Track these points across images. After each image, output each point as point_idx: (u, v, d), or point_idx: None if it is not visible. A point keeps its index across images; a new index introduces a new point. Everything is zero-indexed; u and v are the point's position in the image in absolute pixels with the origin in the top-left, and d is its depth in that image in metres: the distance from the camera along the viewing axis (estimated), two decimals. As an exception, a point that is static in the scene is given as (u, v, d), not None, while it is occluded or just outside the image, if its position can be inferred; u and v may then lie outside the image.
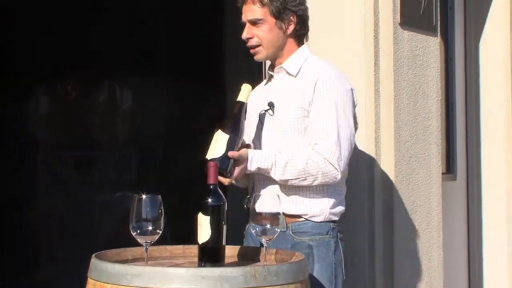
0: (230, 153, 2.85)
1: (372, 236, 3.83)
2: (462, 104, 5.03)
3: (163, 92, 7.82)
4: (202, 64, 7.21)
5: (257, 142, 3.09)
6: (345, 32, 3.86)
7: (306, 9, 3.10)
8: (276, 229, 2.64)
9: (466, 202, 5.08)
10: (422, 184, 4.13)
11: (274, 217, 2.65)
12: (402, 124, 3.99)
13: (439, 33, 4.34)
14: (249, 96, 2.99)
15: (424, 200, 4.16)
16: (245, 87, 2.98)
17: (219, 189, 2.63)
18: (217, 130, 2.90)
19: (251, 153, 2.93)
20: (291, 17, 3.04)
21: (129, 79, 7.73)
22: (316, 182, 2.92)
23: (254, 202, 2.65)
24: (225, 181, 2.93)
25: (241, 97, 2.95)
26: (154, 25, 7.95)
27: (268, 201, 2.67)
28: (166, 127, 7.87)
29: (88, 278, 2.60)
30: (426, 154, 4.18)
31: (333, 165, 2.89)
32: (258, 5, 3.02)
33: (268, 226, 2.62)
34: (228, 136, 2.87)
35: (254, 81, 4.43)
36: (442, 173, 4.44)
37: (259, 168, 2.93)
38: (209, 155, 2.87)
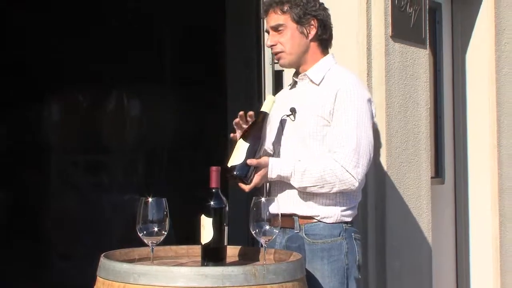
0: (249, 161, 2.81)
1: (365, 236, 3.82)
2: (449, 112, 5.02)
3: (168, 101, 7.80)
4: (205, 74, 7.20)
5: (277, 145, 3.03)
6: (339, 45, 3.83)
7: (327, 15, 3.04)
8: (274, 230, 2.62)
9: (454, 204, 5.07)
10: (412, 187, 4.12)
11: (273, 218, 2.63)
12: (394, 131, 3.98)
13: (428, 46, 4.33)
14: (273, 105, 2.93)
15: (414, 202, 4.14)
16: (270, 98, 2.92)
17: (220, 193, 2.63)
18: (239, 139, 2.86)
19: (271, 161, 2.88)
20: (312, 22, 2.99)
21: (136, 89, 7.72)
22: (334, 190, 2.86)
23: (255, 206, 2.62)
24: (246, 187, 2.86)
25: (264, 108, 2.89)
26: (160, 38, 7.95)
27: (270, 203, 2.63)
28: (171, 133, 7.85)
29: (97, 277, 2.59)
30: (416, 159, 4.16)
31: (350, 173, 2.83)
32: (279, 12, 2.98)
33: (267, 227, 2.61)
34: (248, 144, 2.82)
35: (253, 90, 4.44)
36: (431, 177, 4.42)
37: (279, 176, 2.88)
38: (230, 163, 2.83)
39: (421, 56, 4.25)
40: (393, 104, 3.98)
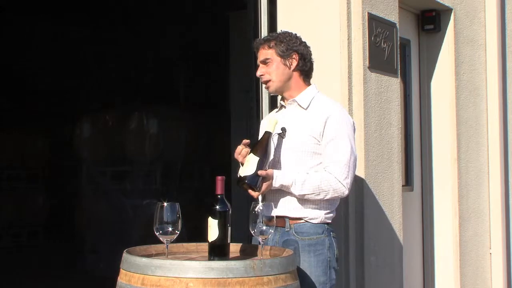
0: (259, 172, 2.79)
1: (347, 235, 3.79)
2: (417, 130, 5.01)
3: (182, 121, 7.80)
4: (212, 99, 7.21)
5: (271, 158, 3.01)
6: (326, 74, 3.83)
7: (308, 51, 3.05)
8: (270, 230, 2.62)
9: (421, 208, 5.05)
10: (386, 194, 4.10)
11: (269, 220, 2.63)
12: (371, 146, 3.96)
13: (399, 75, 4.32)
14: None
15: (388, 207, 4.12)
16: (273, 120, 2.91)
17: (225, 198, 2.62)
18: (249, 153, 2.84)
19: (276, 172, 2.88)
20: (294, 55, 3.01)
21: (154, 110, 7.71)
22: (327, 197, 2.90)
23: (253, 209, 2.61)
24: (255, 194, 2.85)
25: (268, 128, 2.88)
26: (176, 70, 7.97)
27: (266, 207, 2.62)
28: (184, 148, 7.84)
29: (121, 269, 2.58)
30: (390, 170, 4.14)
31: (341, 183, 2.88)
32: (266, 48, 3.02)
33: (264, 227, 2.60)
34: (258, 158, 2.80)
35: (252, 112, 4.42)
36: (402, 185, 4.40)
37: (282, 185, 2.88)
38: (242, 173, 2.82)
39: (394, 84, 4.23)
40: (370, 124, 3.96)
